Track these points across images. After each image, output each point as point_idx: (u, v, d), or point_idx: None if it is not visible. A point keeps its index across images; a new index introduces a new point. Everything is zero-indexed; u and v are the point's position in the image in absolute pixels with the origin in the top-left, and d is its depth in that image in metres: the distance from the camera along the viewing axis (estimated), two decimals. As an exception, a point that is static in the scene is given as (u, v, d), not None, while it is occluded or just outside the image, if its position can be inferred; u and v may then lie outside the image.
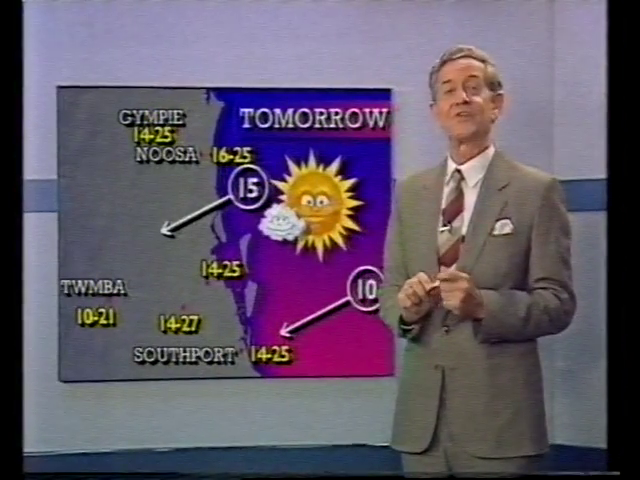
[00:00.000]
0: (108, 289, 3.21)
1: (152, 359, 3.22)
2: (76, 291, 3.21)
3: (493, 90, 2.50)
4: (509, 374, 2.40)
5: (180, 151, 3.24)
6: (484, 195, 2.46)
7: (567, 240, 2.47)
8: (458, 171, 2.50)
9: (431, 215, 2.50)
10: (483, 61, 2.50)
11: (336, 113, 3.26)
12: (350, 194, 3.27)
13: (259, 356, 3.24)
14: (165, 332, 3.23)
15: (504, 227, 2.43)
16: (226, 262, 3.24)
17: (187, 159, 3.24)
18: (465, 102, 2.45)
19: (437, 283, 2.35)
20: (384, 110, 3.26)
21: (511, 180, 2.46)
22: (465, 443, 2.39)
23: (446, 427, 2.41)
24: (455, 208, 2.48)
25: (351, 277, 3.25)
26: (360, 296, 3.26)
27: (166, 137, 3.23)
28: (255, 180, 3.25)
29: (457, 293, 2.33)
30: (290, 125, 3.25)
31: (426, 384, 2.45)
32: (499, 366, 2.40)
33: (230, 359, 3.24)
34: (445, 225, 2.47)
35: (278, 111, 3.25)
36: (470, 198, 2.47)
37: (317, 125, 3.26)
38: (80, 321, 3.21)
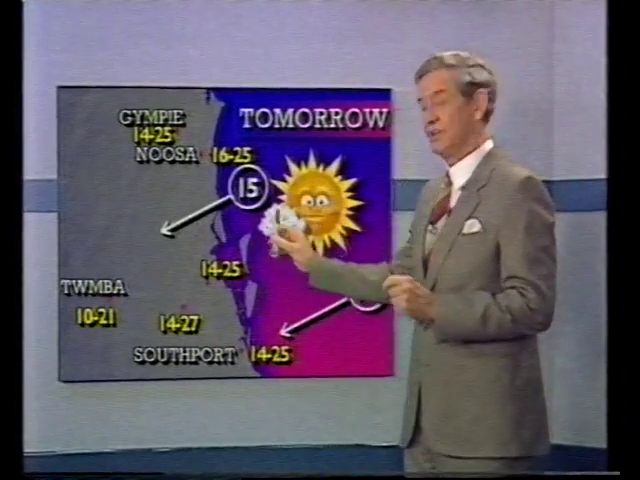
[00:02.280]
0: (108, 289, 3.21)
1: (152, 359, 3.22)
2: (76, 291, 3.21)
3: (469, 94, 2.44)
4: (475, 374, 2.37)
5: (180, 151, 3.24)
6: (465, 196, 2.44)
7: (541, 238, 2.36)
8: (447, 173, 2.51)
9: (424, 216, 2.53)
10: (452, 67, 2.44)
11: (336, 113, 3.26)
12: (350, 194, 3.27)
13: (259, 356, 3.24)
14: (165, 332, 3.23)
15: (473, 226, 2.40)
16: (226, 262, 3.24)
17: (187, 159, 3.24)
18: (431, 122, 2.45)
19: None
20: (384, 110, 3.26)
21: (489, 180, 2.42)
22: (433, 440, 2.40)
23: (422, 423, 2.43)
24: (440, 209, 2.49)
25: (351, 277, 3.25)
26: (360, 296, 3.26)
27: (166, 137, 3.23)
28: (255, 180, 3.25)
29: (402, 296, 2.33)
30: (290, 125, 3.25)
31: (411, 379, 2.49)
32: (465, 366, 2.38)
33: (230, 359, 3.24)
34: (430, 226, 2.49)
35: (278, 111, 3.25)
36: (455, 199, 2.48)
37: (317, 125, 3.26)
38: (80, 321, 3.21)
